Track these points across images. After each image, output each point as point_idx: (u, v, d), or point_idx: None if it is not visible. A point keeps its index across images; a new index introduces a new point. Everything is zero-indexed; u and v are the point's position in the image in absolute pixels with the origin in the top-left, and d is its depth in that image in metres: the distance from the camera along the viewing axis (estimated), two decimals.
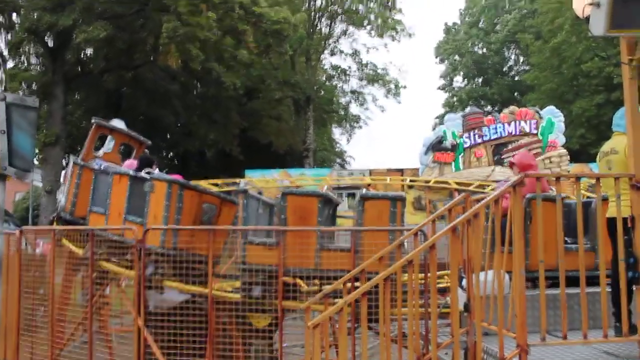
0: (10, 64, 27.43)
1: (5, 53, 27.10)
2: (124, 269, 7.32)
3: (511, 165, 7.19)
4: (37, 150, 26.07)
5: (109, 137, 9.75)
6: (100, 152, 9.70)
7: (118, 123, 10.03)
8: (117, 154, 9.96)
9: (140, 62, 28.13)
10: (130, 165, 9.08)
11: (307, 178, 21.57)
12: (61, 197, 9.97)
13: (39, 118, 27.50)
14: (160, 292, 6.97)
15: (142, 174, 7.91)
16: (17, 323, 7.60)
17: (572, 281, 4.62)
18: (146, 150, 10.15)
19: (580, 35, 31.14)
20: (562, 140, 22.73)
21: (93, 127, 9.49)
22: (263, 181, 18.83)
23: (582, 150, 31.38)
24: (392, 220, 6.65)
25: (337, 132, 48.65)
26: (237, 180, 19.62)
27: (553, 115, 22.85)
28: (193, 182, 9.05)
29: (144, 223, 7.29)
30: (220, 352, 6.49)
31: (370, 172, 23.07)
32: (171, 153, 37.68)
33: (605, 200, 5.14)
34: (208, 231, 6.91)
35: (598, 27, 4.38)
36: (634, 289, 4.58)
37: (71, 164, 9.25)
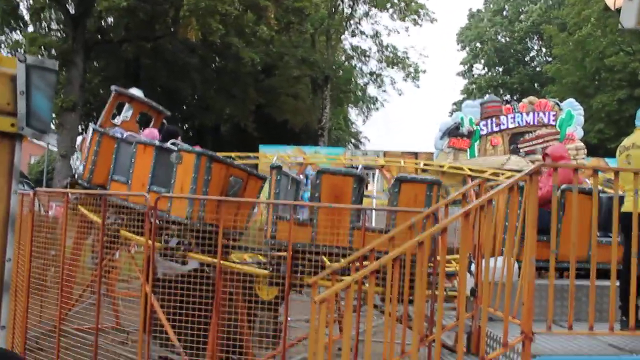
0: (30, 29, 27.52)
1: (27, 18, 27.20)
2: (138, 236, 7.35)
3: (544, 156, 7.15)
4: (54, 115, 26.25)
5: (126, 106, 9.60)
6: (119, 120, 9.54)
7: (136, 92, 9.94)
8: (136, 123, 9.79)
9: (161, 34, 28.09)
10: (149, 134, 9.02)
11: (321, 156, 21.55)
12: (77, 164, 9.89)
13: (58, 84, 27.67)
14: (182, 262, 6.99)
15: (168, 145, 7.79)
16: (27, 283, 7.71)
17: (603, 274, 4.64)
18: (164, 121, 10.06)
19: (605, 29, 30.64)
20: (580, 133, 22.52)
21: (112, 94, 9.32)
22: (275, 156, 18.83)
23: (600, 145, 31.07)
24: (427, 204, 6.59)
25: (353, 113, 48.55)
26: (250, 154, 19.63)
27: (573, 108, 22.62)
28: None
29: (170, 195, 7.20)
30: (225, 322, 6.54)
31: (385, 154, 23.02)
32: (186, 125, 37.79)
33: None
34: (219, 202, 6.93)
35: (629, 19, 4.32)
36: None
37: (90, 131, 8.97)
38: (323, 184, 6.77)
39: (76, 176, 9.08)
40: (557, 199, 4.52)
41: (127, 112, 9.68)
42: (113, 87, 9.47)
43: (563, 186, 6.05)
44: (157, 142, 7.80)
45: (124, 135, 8.63)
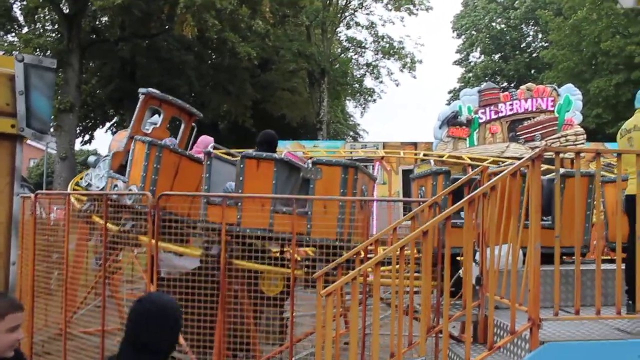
0: (24, 30, 27.39)
1: (21, 19, 27.08)
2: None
3: None
4: (52, 117, 26.19)
5: (138, 108, 8.44)
6: (149, 128, 8.56)
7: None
8: (166, 129, 8.84)
9: (156, 31, 27.98)
10: (204, 142, 8.39)
11: (320, 150, 21.50)
12: (96, 181, 8.38)
13: (54, 85, 27.57)
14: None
15: (285, 156, 6.89)
16: (31, 287, 7.70)
17: None
18: (193, 124, 9.11)
19: (601, 13, 30.52)
20: (579, 118, 22.46)
21: (142, 97, 8.33)
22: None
23: (598, 129, 31.04)
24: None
25: (351, 105, 48.53)
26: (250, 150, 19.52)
27: (571, 93, 22.54)
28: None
29: (307, 215, 6.44)
30: (232, 319, 6.54)
31: (384, 145, 22.98)
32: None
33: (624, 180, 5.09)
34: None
35: None
36: None
37: (146, 144, 7.58)
38: None
39: (127, 199, 7.55)
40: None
41: (150, 118, 8.81)
42: (143, 90, 8.44)
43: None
44: (276, 156, 6.86)
45: (175, 145, 7.93)
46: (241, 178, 6.69)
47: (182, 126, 9.03)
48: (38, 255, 7.84)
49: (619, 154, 4.70)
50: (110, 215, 7.31)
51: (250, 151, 7.32)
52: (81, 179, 11.23)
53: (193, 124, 9.11)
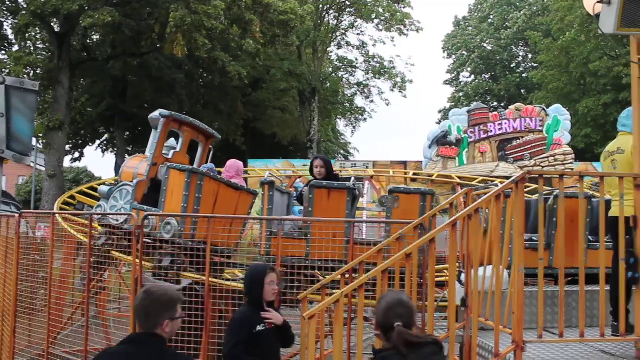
0: (15, 48, 27.36)
1: (12, 37, 27.09)
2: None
3: None
4: (40, 135, 26.07)
5: (153, 132, 8.01)
6: (168, 152, 8.22)
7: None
8: (186, 153, 8.47)
9: (146, 50, 28.06)
10: (234, 167, 8.08)
11: None
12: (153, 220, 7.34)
13: (44, 103, 27.49)
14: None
15: (352, 184, 6.74)
16: (14, 306, 7.61)
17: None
18: (210, 146, 8.85)
19: (589, 34, 30.95)
20: (567, 138, 22.67)
21: (164, 121, 7.85)
22: (266, 171, 18.80)
23: (587, 149, 31.30)
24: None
25: (341, 124, 48.72)
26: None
27: (559, 113, 22.79)
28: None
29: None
30: (217, 340, 6.48)
31: (374, 164, 23.04)
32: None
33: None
34: None
35: (608, 25, 4.35)
36: (633, 289, 4.54)
37: (185, 173, 7.05)
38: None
39: (165, 233, 7.02)
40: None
41: (158, 140, 8.23)
42: (165, 112, 7.98)
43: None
44: (349, 184, 6.72)
45: (215, 172, 7.68)
46: (310, 208, 6.45)
47: (200, 148, 8.77)
48: (22, 274, 7.75)
49: (602, 176, 4.73)
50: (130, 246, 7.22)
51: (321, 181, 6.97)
52: (69, 197, 11.16)
53: (210, 145, 8.86)
